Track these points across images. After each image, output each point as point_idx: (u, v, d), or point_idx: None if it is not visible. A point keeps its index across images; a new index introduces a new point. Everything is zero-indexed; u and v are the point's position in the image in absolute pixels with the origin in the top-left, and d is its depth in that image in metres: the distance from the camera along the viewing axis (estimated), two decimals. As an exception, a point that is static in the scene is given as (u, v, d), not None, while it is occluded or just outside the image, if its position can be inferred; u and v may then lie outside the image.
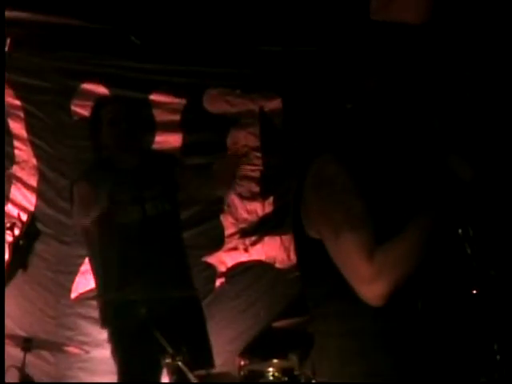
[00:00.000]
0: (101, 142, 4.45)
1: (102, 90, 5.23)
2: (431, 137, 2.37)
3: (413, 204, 2.27)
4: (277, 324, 4.67)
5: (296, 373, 4.18)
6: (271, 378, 4.15)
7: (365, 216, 2.21)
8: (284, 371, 4.17)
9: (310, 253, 2.36)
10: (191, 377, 3.84)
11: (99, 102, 4.68)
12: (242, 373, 4.18)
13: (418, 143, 2.39)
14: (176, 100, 5.40)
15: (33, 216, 3.54)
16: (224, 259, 5.43)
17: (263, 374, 4.17)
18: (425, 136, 2.38)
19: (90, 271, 4.65)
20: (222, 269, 5.40)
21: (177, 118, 5.41)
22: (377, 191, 2.29)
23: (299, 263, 2.48)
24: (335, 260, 2.23)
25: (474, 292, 2.54)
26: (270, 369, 4.18)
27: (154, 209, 4.42)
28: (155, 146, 5.29)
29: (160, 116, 5.38)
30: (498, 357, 2.46)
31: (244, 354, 4.95)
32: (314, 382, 2.49)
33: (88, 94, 5.17)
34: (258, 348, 5.04)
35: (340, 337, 2.32)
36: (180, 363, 3.89)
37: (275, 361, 4.29)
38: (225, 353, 5.11)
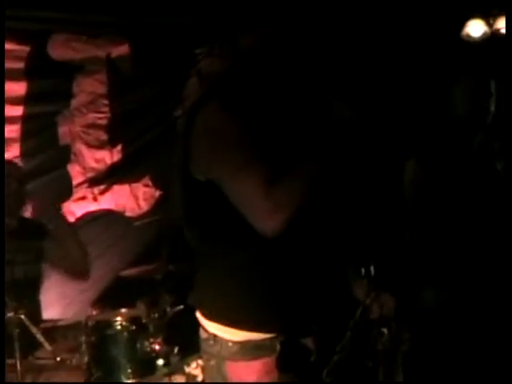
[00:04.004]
0: None
1: None
2: (314, 84, 2.59)
3: (301, 145, 2.46)
4: (124, 272, 4.66)
5: (144, 321, 4.20)
6: (119, 327, 4.14)
7: (258, 157, 2.37)
8: (132, 320, 4.18)
9: (196, 194, 2.52)
10: (34, 330, 3.78)
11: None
12: (89, 323, 4.15)
13: (302, 91, 2.58)
14: (19, 47, 5.18)
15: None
16: (73, 209, 5.34)
17: (111, 323, 4.16)
18: (309, 84, 2.59)
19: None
20: (71, 219, 5.31)
21: (21, 65, 5.20)
22: (265, 134, 2.46)
23: (185, 205, 2.60)
24: (233, 199, 2.40)
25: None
26: (118, 318, 4.17)
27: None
28: None
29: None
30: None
31: (95, 304, 4.94)
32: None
33: None
34: (108, 297, 5.02)
35: (221, 271, 2.55)
36: (23, 316, 3.81)
37: (123, 310, 4.29)
38: (77, 303, 5.07)
